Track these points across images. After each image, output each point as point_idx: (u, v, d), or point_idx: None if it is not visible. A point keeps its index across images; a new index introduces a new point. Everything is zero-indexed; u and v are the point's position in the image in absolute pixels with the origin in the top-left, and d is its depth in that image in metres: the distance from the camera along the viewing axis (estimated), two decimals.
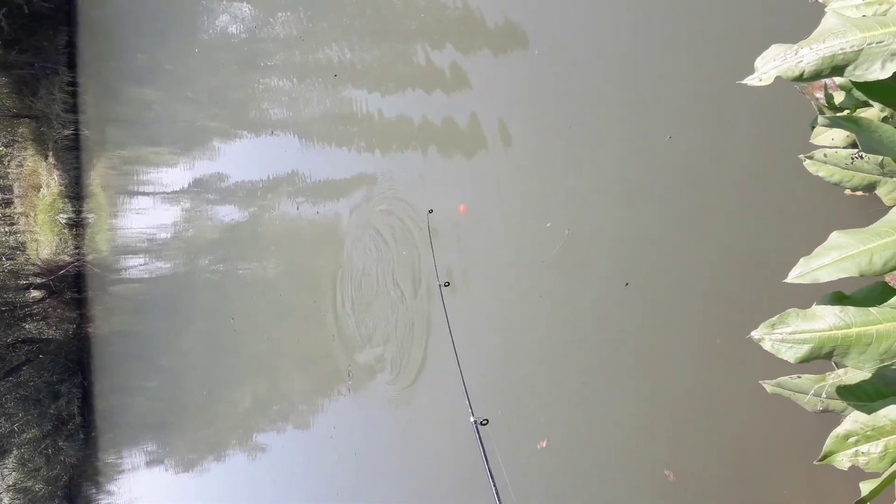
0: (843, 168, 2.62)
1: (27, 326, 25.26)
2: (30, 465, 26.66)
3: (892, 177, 2.49)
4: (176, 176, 18.65)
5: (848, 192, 2.96)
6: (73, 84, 24.85)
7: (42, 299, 25.29)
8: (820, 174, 2.72)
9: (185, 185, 17.88)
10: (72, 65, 24.92)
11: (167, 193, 20.02)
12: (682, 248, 4.44)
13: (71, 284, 25.43)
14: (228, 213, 15.00)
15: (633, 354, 4.55)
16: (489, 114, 6.41)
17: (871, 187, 2.63)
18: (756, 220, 3.94)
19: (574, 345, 5.03)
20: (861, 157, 2.53)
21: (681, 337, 4.26)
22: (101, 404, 25.80)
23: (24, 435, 25.25)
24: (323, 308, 10.03)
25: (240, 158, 14.18)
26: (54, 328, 25.75)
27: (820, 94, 3.05)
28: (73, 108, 25.30)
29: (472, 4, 6.67)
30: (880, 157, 2.50)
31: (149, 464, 21.72)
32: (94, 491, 27.66)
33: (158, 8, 19.44)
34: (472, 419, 4.32)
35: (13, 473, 28.77)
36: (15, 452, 27.35)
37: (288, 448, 11.35)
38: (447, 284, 3.39)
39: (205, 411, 16.33)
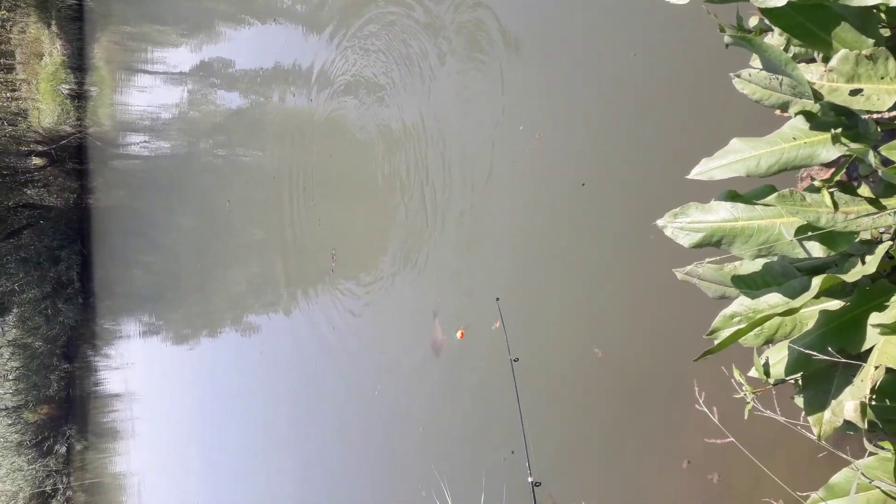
0: (763, 88, 2.97)
1: (28, 192, 25.59)
2: (30, 323, 27.68)
3: (800, 97, 2.85)
4: (181, 57, 18.54)
5: (777, 112, 3.32)
6: None
7: (43, 167, 25.54)
8: (745, 92, 3.07)
9: (190, 68, 17.83)
10: None
11: (171, 74, 19.95)
12: (633, 158, 4.89)
13: (72, 155, 25.60)
14: (231, 98, 15.09)
15: (575, 245, 5.09)
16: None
17: (784, 107, 2.98)
18: (695, 134, 4.34)
19: (530, 236, 5.49)
20: (778, 79, 2.87)
21: (617, 234, 4.79)
22: (99, 273, 26.56)
23: (25, 294, 26.04)
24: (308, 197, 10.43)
25: (245, 45, 14.13)
26: (55, 196, 26.13)
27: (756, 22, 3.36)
28: None
29: None
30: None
31: (144, 334, 22.62)
32: (91, 353, 28.92)
33: None
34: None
35: (14, 330, 29.92)
36: (15, 310, 28.34)
37: (276, 328, 11.96)
38: (516, 360, 3.82)
39: (199, 290, 16.95)
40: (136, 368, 23.66)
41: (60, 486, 31.54)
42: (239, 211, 13.97)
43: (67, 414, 31.42)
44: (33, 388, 30.20)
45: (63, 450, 31.17)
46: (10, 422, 31.81)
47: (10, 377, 31.31)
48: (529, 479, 4.79)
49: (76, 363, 30.36)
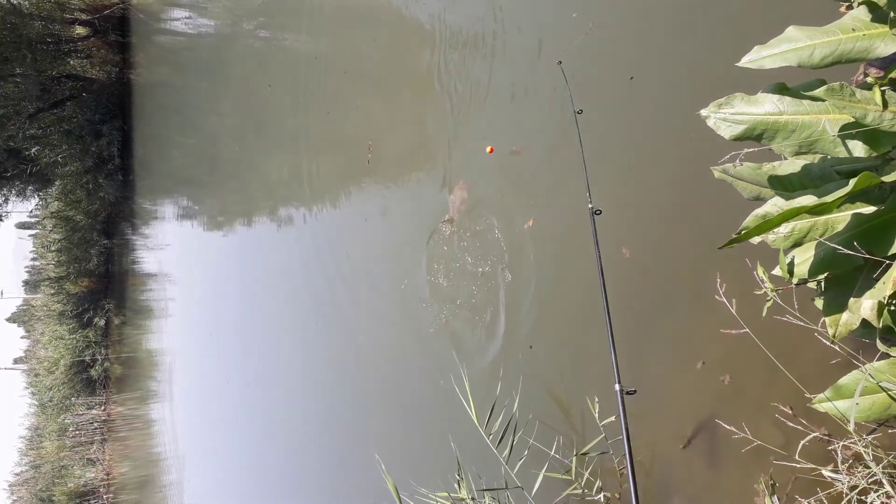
0: None
1: (72, 62, 25.59)
2: (71, 196, 28.35)
3: None
4: None
5: (843, 8, 3.18)
6: None
7: (87, 37, 25.43)
8: None
9: None
10: None
11: None
12: (683, 50, 4.72)
13: (115, 26, 25.39)
14: None
15: (615, 139, 5.02)
16: None
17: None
18: (755, 22, 4.16)
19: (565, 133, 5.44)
20: None
21: (662, 127, 4.70)
22: (139, 151, 26.81)
23: (67, 167, 26.52)
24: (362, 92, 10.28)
25: None
26: (98, 68, 26.15)
27: None
28: None
29: None
30: None
31: (180, 217, 23.05)
32: (129, 230, 29.68)
33: None
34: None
35: (56, 202, 30.79)
36: (58, 183, 29.02)
37: (313, 222, 12.04)
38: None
39: (237, 177, 17.05)
40: (172, 251, 24.22)
41: (99, 357, 33.29)
42: (279, 96, 13.87)
43: (106, 288, 32.70)
44: (74, 260, 31.38)
45: (102, 322, 32.69)
46: (52, 291, 33.30)
47: (53, 248, 32.52)
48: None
49: (115, 240, 31.25)
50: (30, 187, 29.23)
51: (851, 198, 2.73)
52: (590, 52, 5.63)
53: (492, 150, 6.82)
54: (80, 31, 25.35)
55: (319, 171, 11.81)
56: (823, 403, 2.83)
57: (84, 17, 24.64)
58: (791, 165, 3.05)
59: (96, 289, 32.39)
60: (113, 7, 24.23)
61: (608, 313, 3.19)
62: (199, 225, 21.18)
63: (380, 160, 9.69)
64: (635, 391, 2.97)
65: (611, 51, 5.53)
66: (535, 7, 6.78)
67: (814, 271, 2.76)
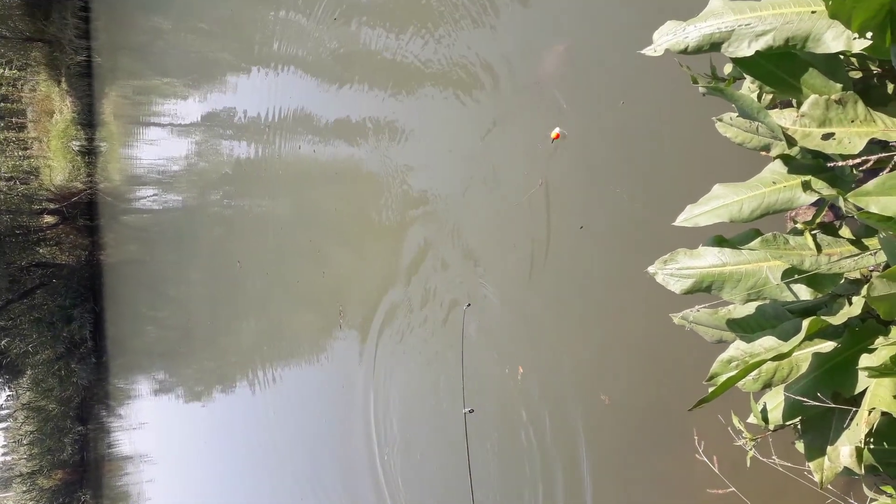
0: (745, 131, 3.01)
1: (41, 251, 25.80)
2: (43, 385, 27.60)
3: (781, 140, 2.88)
4: (188, 108, 18.82)
5: (762, 153, 3.36)
6: (86, 9, 24.76)
7: (55, 225, 25.83)
8: (728, 135, 3.11)
9: (197, 119, 18.09)
10: None
11: (179, 126, 20.24)
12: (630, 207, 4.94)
13: (83, 211, 25.88)
14: (238, 148, 15.27)
15: (579, 297, 5.11)
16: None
17: (767, 148, 3.02)
18: (685, 175, 4.38)
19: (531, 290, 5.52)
20: (755, 124, 2.91)
21: (623, 288, 4.80)
22: (111, 330, 26.54)
23: (38, 356, 26.01)
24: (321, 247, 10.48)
25: (251, 94, 14.37)
26: (67, 254, 26.34)
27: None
28: (86, 35, 25.21)
29: None
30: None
31: (156, 392, 22.49)
32: (105, 413, 28.71)
33: None
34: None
35: (27, 393, 29.85)
36: (29, 372, 28.30)
37: (288, 382, 11.91)
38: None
39: (211, 343, 16.90)
40: (149, 428, 23.51)
41: None
42: (249, 265, 14.03)
43: (82, 478, 31.11)
44: (47, 452, 30.01)
45: None
46: (24, 489, 31.47)
47: (25, 442, 31.13)
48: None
49: (90, 425, 30.16)
50: None
51: (809, 336, 2.77)
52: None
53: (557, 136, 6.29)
54: (48, 219, 25.80)
55: (290, 334, 11.76)
56: None
57: (52, 206, 25.16)
58: (745, 308, 3.11)
59: (71, 480, 30.78)
60: (80, 193, 24.84)
61: None
62: (176, 398, 20.68)
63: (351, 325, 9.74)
64: None
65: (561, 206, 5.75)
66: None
67: (787, 416, 2.75)
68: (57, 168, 26.04)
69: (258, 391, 13.56)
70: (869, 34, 2.25)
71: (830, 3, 2.11)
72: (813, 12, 2.41)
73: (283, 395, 12.15)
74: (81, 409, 29.54)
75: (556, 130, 5.99)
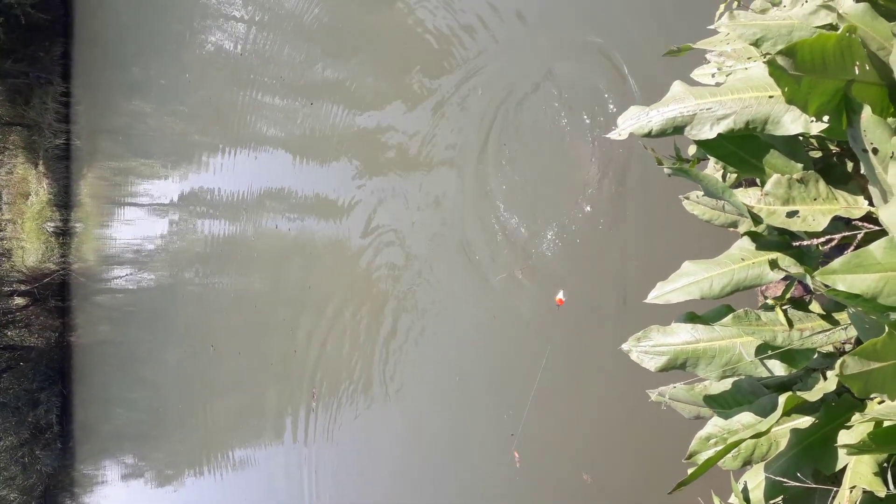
0: (712, 209, 3.08)
1: (9, 333, 25.20)
2: (5, 473, 26.36)
3: (747, 217, 2.94)
4: (165, 188, 18.94)
5: (731, 229, 3.41)
6: (67, 94, 25.12)
7: (25, 307, 25.34)
8: (695, 213, 3.18)
9: (174, 198, 18.19)
10: (66, 76, 25.21)
11: (156, 205, 20.31)
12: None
13: (55, 293, 25.47)
14: (214, 227, 15.31)
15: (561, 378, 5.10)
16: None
17: (734, 225, 3.09)
18: (655, 254, 4.45)
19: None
20: (720, 202, 2.98)
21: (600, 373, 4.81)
22: (80, 414, 25.69)
23: (1, 443, 25.05)
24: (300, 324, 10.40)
25: (228, 174, 14.52)
26: (36, 336, 25.73)
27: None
28: (66, 119, 25.51)
29: None
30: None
31: (125, 477, 21.66)
32: (69, 502, 27.42)
33: (154, 23, 19.90)
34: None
35: None
36: None
37: (261, 464, 11.58)
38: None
39: (182, 425, 16.46)
40: None
41: None
42: (222, 344, 13.83)
43: None
44: None
45: None
46: None
47: None
48: None
49: None
50: None
51: (786, 412, 2.74)
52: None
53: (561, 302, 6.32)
54: (18, 301, 25.33)
55: (264, 413, 11.52)
56: None
57: (23, 287, 24.76)
58: (721, 384, 3.10)
59: None
60: (53, 274, 24.53)
61: None
62: (145, 482, 19.90)
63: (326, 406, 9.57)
64: None
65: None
66: None
67: (768, 496, 2.69)
68: (30, 249, 25.77)
69: (227, 475, 13.14)
70: (826, 118, 2.34)
71: (786, 89, 2.20)
72: (770, 97, 2.51)
73: (249, 478, 11.77)
74: (45, 497, 28.18)
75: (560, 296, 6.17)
